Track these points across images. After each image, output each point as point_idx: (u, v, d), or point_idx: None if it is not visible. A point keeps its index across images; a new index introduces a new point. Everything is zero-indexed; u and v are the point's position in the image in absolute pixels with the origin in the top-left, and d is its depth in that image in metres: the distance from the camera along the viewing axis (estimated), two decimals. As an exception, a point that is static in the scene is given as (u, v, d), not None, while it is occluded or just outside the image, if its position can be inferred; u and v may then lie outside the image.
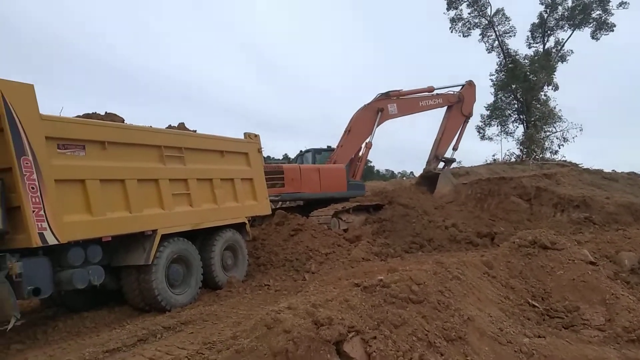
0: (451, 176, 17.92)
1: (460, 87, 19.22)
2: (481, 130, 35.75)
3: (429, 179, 18.63)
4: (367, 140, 17.12)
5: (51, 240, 6.36)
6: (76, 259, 6.90)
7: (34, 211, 6.20)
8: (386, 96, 17.12)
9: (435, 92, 18.37)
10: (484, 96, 35.24)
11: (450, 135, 19.10)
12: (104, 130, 7.50)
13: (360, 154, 17.48)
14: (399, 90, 17.39)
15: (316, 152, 17.95)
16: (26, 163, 6.20)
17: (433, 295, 5.74)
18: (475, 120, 34.04)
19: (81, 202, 6.93)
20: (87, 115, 8.65)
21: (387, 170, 61.05)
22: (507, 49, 34.45)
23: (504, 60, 34.45)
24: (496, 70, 35.10)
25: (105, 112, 8.89)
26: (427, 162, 19.40)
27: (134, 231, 7.71)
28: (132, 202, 7.66)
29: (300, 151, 18.55)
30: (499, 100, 35.20)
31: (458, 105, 18.86)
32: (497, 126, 35.54)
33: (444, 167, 19.62)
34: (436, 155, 19.14)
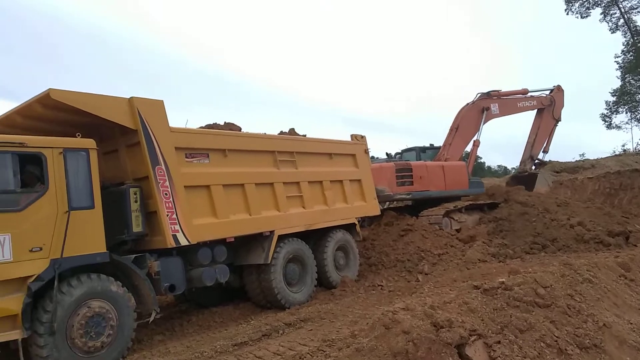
0: (548, 177, 17.29)
1: (549, 91, 18.61)
2: (607, 119, 32.49)
3: (518, 179, 17.86)
4: (475, 138, 16.65)
5: (183, 242, 6.99)
6: (205, 258, 7.51)
7: (167, 215, 6.86)
8: (487, 96, 16.79)
9: (530, 94, 17.93)
10: (609, 80, 31.93)
11: (543, 137, 18.49)
12: (225, 139, 8.08)
13: (469, 151, 17.07)
14: (498, 91, 17.21)
15: (421, 150, 17.58)
16: (160, 172, 6.88)
17: (562, 299, 5.35)
18: (599, 108, 30.96)
19: (207, 206, 7.52)
20: (208, 126, 9.38)
21: (499, 166, 57.75)
22: (635, 26, 30.84)
23: (631, 40, 30.87)
24: (622, 51, 31.65)
25: (225, 122, 9.56)
26: (522, 162, 18.87)
27: (253, 232, 8.18)
28: (251, 205, 8.15)
29: (399, 151, 18.35)
30: (627, 84, 31.67)
31: (549, 108, 18.41)
32: (626, 113, 32.03)
33: (536, 168, 18.82)
34: (531, 155, 18.46)
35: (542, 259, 10.56)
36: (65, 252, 5.75)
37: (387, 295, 8.73)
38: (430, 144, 17.78)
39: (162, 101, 7.20)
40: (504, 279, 5.64)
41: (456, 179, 14.67)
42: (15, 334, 5.31)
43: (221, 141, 7.98)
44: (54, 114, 6.51)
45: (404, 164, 13.69)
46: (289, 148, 9.18)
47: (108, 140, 7.29)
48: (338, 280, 9.71)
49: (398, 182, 12.77)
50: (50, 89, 6.03)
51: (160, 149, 6.94)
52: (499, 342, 4.38)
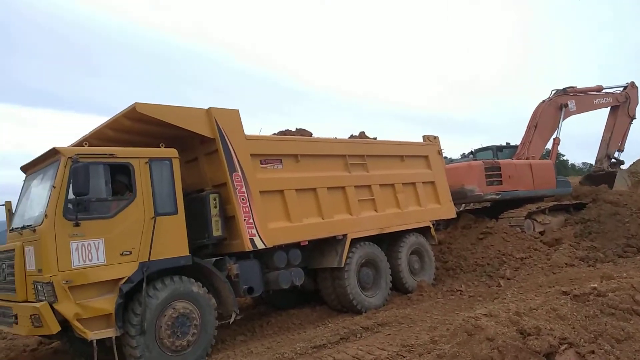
0: (627, 177, 15.96)
1: (622, 88, 17.24)
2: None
3: (593, 178, 16.60)
4: (555, 136, 15.79)
5: (259, 245, 7.17)
6: (280, 261, 7.66)
7: (244, 219, 7.08)
8: (563, 92, 15.93)
9: (604, 91, 16.71)
10: None
11: (618, 135, 17.16)
12: (297, 145, 8.23)
13: (550, 149, 16.21)
14: (573, 87, 16.28)
15: (498, 149, 16.87)
16: (237, 178, 7.12)
17: (665, 306, 4.87)
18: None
19: (281, 210, 7.68)
20: (281, 133, 9.59)
21: (583, 163, 53.95)
22: None
23: None
24: None
25: (296, 128, 9.72)
26: (597, 161, 17.59)
27: (326, 236, 8.23)
28: (323, 208, 8.21)
29: (472, 150, 17.69)
30: None
31: (624, 105, 17.22)
32: None
33: (612, 167, 17.43)
34: (607, 154, 17.15)
35: (638, 262, 9.72)
36: (152, 256, 6.10)
37: (467, 300, 8.46)
38: (507, 143, 17.08)
39: (238, 110, 7.47)
40: (595, 285, 5.24)
41: (544, 178, 13.88)
42: (110, 332, 5.70)
43: (293, 147, 8.13)
44: (140, 126, 6.95)
45: (492, 162, 13.06)
46: (359, 151, 9.15)
47: (189, 150, 7.66)
48: (413, 285, 9.51)
49: (487, 182, 12.26)
50: (136, 103, 6.45)
51: (236, 156, 7.18)
52: (592, 352, 4.06)
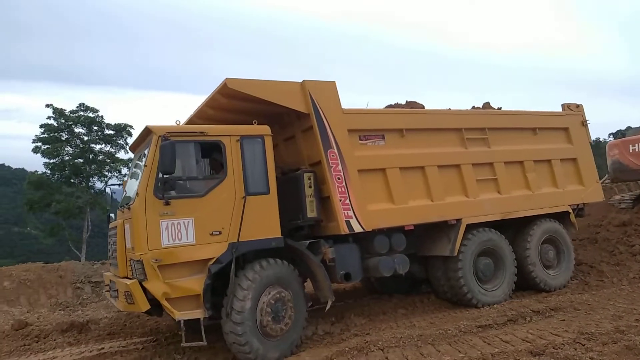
0: None
1: None
2: None
3: None
4: None
5: (357, 228, 6.59)
6: (382, 246, 7.00)
7: (340, 200, 6.54)
8: None
9: None
10: None
11: None
12: (401, 118, 7.41)
13: None
14: None
15: None
16: (332, 155, 6.59)
17: None
18: None
19: (383, 191, 6.99)
20: (389, 106, 8.81)
21: None
22: None
23: None
24: None
25: (406, 101, 8.85)
26: None
27: (436, 220, 7.36)
28: (433, 189, 7.33)
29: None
30: None
31: None
32: None
33: None
34: None
35: None
36: (242, 236, 5.88)
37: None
38: None
39: (334, 82, 6.90)
40: None
41: None
42: (198, 313, 5.63)
43: (398, 120, 7.33)
44: (236, 103, 6.76)
45: None
46: (479, 124, 8.02)
47: (287, 127, 7.34)
48: (546, 281, 8.15)
49: None
50: (227, 78, 6.24)
51: (332, 132, 6.65)
52: None
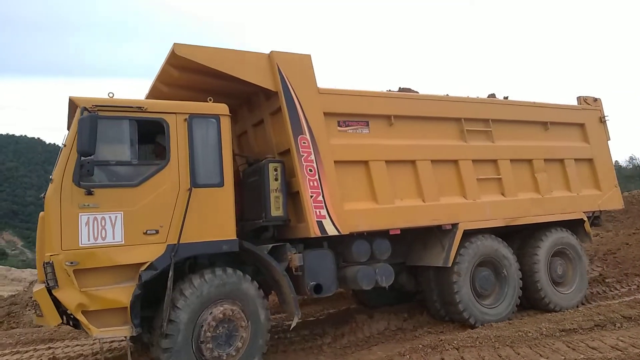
0: None
1: None
2: None
3: None
4: None
5: (330, 231, 5.47)
6: (361, 254, 5.88)
7: (312, 196, 5.42)
8: None
9: None
10: None
11: None
12: (390, 102, 6.29)
13: None
14: None
15: None
16: (303, 143, 5.48)
17: None
18: None
19: (364, 187, 5.87)
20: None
21: None
22: None
23: None
24: None
25: (400, 88, 7.70)
26: None
27: (428, 224, 6.25)
28: (425, 188, 6.22)
29: None
30: None
31: None
32: None
33: None
34: None
35: None
36: (185, 238, 4.77)
37: None
38: None
39: (309, 56, 5.81)
40: None
41: None
42: (123, 330, 4.51)
43: (386, 105, 6.21)
44: (189, 77, 5.65)
45: None
46: (482, 114, 6.92)
47: (256, 110, 6.27)
48: (554, 299, 7.01)
49: None
50: (175, 43, 5.14)
51: (304, 114, 5.54)
52: None
